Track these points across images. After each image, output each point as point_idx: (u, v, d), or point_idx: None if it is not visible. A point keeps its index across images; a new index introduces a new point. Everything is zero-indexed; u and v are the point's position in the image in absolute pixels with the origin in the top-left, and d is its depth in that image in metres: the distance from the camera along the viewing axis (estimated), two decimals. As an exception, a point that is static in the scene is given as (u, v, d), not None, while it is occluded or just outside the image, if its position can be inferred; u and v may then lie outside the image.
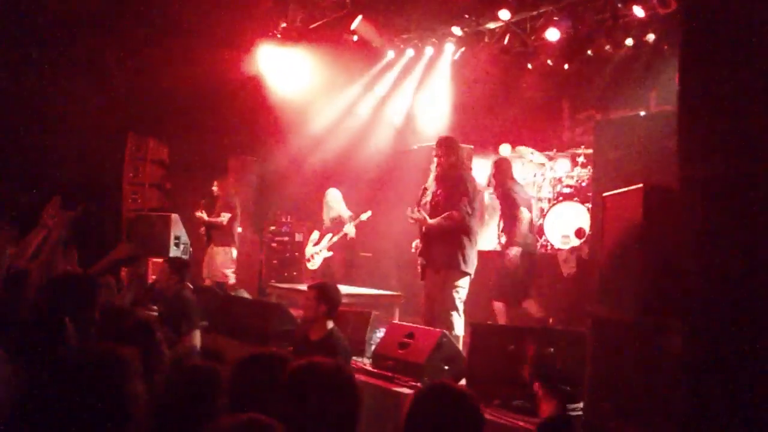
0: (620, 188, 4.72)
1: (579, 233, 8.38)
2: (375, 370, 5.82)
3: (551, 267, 8.10)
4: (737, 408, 3.19)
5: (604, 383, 4.47)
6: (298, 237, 11.41)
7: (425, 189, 6.81)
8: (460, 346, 6.07)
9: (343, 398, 2.46)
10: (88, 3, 9.70)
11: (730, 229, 3.33)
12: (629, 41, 9.72)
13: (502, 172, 7.88)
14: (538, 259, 7.93)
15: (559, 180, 9.22)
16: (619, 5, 9.06)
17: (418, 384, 5.23)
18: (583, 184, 8.99)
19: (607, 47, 9.94)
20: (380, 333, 6.70)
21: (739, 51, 3.40)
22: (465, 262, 6.51)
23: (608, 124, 8.66)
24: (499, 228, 7.97)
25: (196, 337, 6.42)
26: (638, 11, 8.85)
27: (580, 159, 9.22)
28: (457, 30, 10.57)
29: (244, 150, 12.14)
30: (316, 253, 9.50)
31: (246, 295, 8.64)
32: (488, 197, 9.10)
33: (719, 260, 3.38)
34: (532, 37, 10.13)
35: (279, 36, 11.36)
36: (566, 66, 10.57)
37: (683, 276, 3.57)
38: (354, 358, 6.36)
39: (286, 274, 11.31)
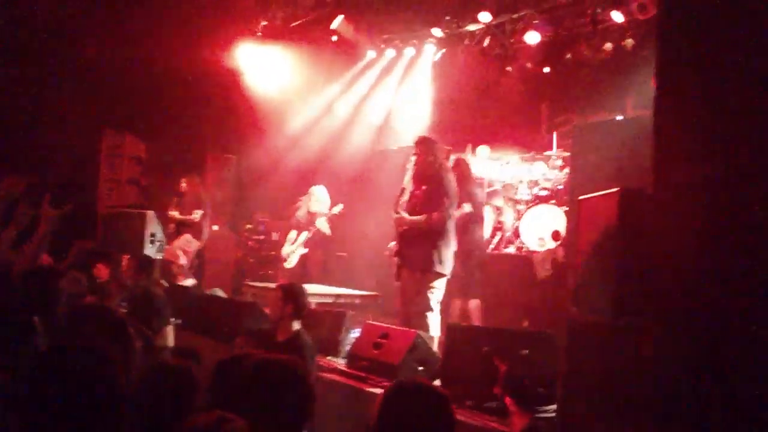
0: (597, 191, 4.74)
1: (555, 236, 8.42)
2: (349, 371, 5.81)
3: (527, 269, 8.13)
4: (710, 409, 3.22)
5: (578, 385, 4.49)
6: (275, 236, 11.35)
7: (403, 189, 6.80)
8: (436, 347, 6.07)
9: (293, 394, 2.46)
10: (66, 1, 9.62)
11: (704, 233, 3.36)
12: (608, 46, 9.78)
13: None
14: (486, 261, 8.03)
15: (536, 182, 9.25)
16: (599, 10, 9.11)
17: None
18: (560, 186, 9.04)
19: (586, 52, 10.01)
20: (355, 333, 6.68)
21: (714, 57, 3.43)
22: (441, 263, 6.51)
23: (586, 127, 8.70)
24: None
25: (169, 335, 6.35)
26: (617, 16, 8.91)
27: (558, 162, 9.25)
28: (437, 31, 10.59)
29: (222, 147, 12.08)
30: (292, 251, 9.48)
31: (221, 293, 8.59)
32: None
33: (693, 263, 3.40)
34: (512, 40, 10.16)
35: (259, 34, 11.32)
36: (546, 69, 10.62)
37: (658, 279, 3.59)
38: (328, 358, 6.35)
39: (262, 273, 11.25)
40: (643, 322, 3.89)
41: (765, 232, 3.10)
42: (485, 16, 9.71)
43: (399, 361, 5.51)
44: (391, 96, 11.86)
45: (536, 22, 9.54)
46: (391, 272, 6.88)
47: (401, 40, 11.22)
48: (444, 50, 11.04)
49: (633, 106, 9.54)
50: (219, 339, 6.62)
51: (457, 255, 6.87)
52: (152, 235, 9.84)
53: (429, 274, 6.49)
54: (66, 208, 5.22)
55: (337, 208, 9.22)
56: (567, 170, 8.96)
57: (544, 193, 9.13)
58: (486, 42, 10.24)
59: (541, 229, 8.60)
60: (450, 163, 7.97)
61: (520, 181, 9.39)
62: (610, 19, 9.06)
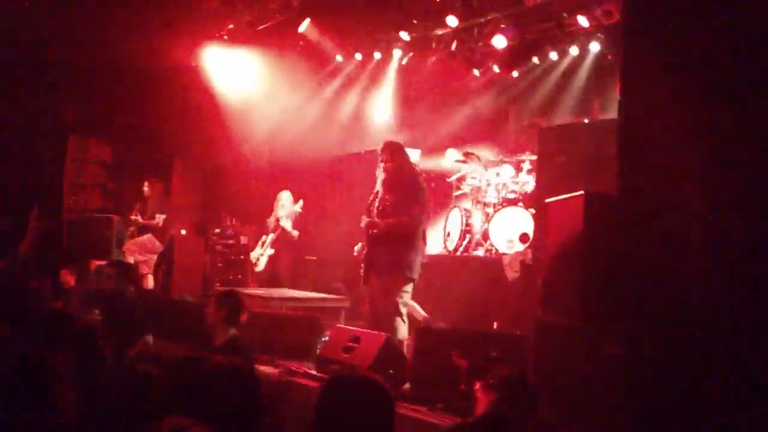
0: (563, 194, 4.80)
1: (523, 238, 8.48)
2: (319, 375, 5.79)
3: (496, 271, 8.17)
4: (678, 410, 3.27)
5: (547, 387, 4.53)
6: (244, 240, 11.29)
7: (376, 194, 6.81)
8: (405, 351, 6.08)
9: (237, 399, 2.47)
10: (28, 3, 9.48)
11: (668, 235, 3.41)
12: (574, 50, 9.90)
13: None
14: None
15: (504, 185, 9.31)
16: (565, 15, 9.21)
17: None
18: (528, 189, 9.10)
19: (553, 55, 10.12)
20: (326, 337, 6.67)
21: (677, 62, 3.48)
22: (410, 267, 6.53)
23: (552, 131, 8.77)
24: None
25: (148, 342, 6.28)
26: (583, 21, 9.01)
27: (525, 165, 9.32)
28: (405, 35, 10.62)
29: (189, 151, 11.99)
30: (261, 254, 9.51)
31: (189, 298, 8.53)
32: None
33: (657, 266, 3.46)
34: (480, 44, 10.23)
35: (226, 37, 11.26)
36: (515, 74, 10.71)
37: (623, 282, 3.64)
38: (299, 362, 6.34)
39: (231, 277, 11.18)
40: (609, 324, 3.94)
41: (729, 234, 3.16)
42: (452, 20, 9.77)
43: (369, 364, 5.51)
44: (359, 99, 11.86)
45: (503, 26, 9.61)
46: (360, 276, 6.88)
47: (369, 44, 11.24)
48: (412, 54, 11.08)
49: (599, 109, 9.65)
50: (185, 343, 6.57)
51: None
52: (119, 239, 9.81)
53: (397, 277, 6.49)
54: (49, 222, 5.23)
55: (298, 205, 9.30)
56: (534, 173, 9.03)
57: (512, 195, 9.18)
58: (453, 46, 10.30)
59: (510, 232, 8.66)
60: None
61: (488, 184, 9.44)
62: (576, 24, 9.16)
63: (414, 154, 8.93)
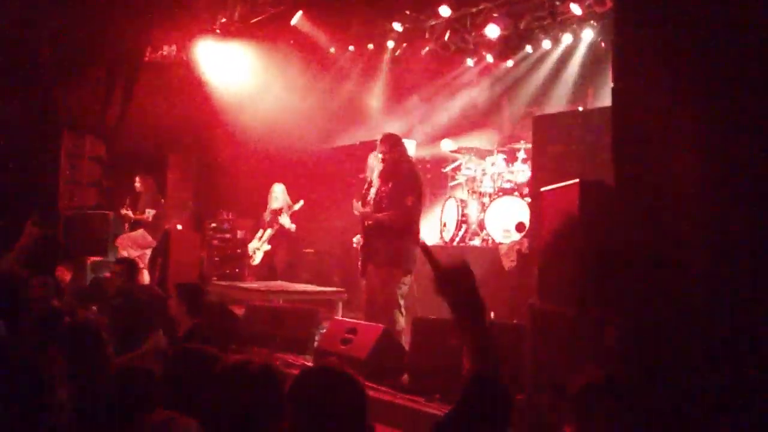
0: (558, 183, 4.80)
1: (519, 227, 8.49)
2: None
3: (492, 261, 8.18)
4: (671, 399, 3.28)
5: (544, 375, 4.55)
6: (240, 233, 11.31)
7: (370, 184, 6.82)
8: (403, 342, 6.10)
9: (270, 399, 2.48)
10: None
11: (663, 224, 3.41)
12: (567, 38, 9.89)
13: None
14: None
15: (499, 175, 9.31)
16: (557, 3, 9.21)
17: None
18: (523, 178, 9.10)
19: (546, 44, 10.11)
20: (323, 330, 6.69)
21: (672, 48, 3.48)
22: (407, 259, 6.53)
23: (546, 119, 8.76)
24: None
25: (159, 340, 6.28)
26: (575, 9, 9.01)
27: (520, 154, 9.32)
28: (398, 26, 10.61)
29: (184, 146, 11.97)
30: (257, 248, 9.53)
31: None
32: None
33: (653, 255, 3.46)
34: (473, 34, 10.22)
35: (218, 31, 11.23)
36: (509, 62, 10.71)
37: (618, 270, 3.65)
38: (297, 355, 6.36)
39: (228, 271, 11.20)
40: (605, 313, 3.95)
41: (727, 223, 3.16)
42: (445, 11, 9.76)
43: (366, 356, 5.53)
44: (353, 91, 11.85)
45: (496, 15, 9.60)
46: (357, 268, 6.89)
47: (362, 36, 11.22)
48: (405, 45, 11.07)
49: (593, 97, 9.65)
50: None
51: None
52: (115, 236, 9.81)
53: (395, 269, 6.50)
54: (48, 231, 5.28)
55: (298, 205, 9.35)
56: (530, 162, 9.03)
57: (507, 185, 9.19)
58: (447, 36, 10.29)
59: (506, 221, 8.67)
60: None
61: (484, 174, 9.44)
62: (569, 12, 9.15)
63: (409, 145, 8.93)
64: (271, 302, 7.75)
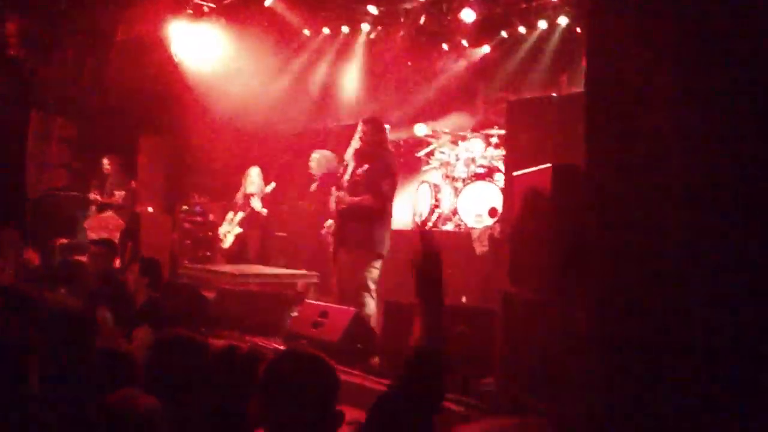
0: (531, 168, 4.79)
1: (492, 212, 8.48)
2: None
3: (465, 246, 8.18)
4: (642, 385, 3.29)
5: (514, 359, 4.56)
6: (212, 217, 11.21)
7: (346, 166, 6.79)
8: (373, 327, 6.09)
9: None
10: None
11: (635, 209, 3.42)
12: (542, 24, 9.88)
13: None
14: None
15: (473, 160, 9.30)
16: (533, -12, 9.20)
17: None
18: (497, 163, 9.10)
19: (521, 29, 10.10)
20: (295, 313, 6.66)
21: (645, 35, 3.47)
22: (379, 243, 6.53)
23: (521, 105, 8.74)
24: None
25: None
26: (551, -6, 9.01)
27: (494, 139, 9.31)
28: (373, 9, 10.54)
29: (156, 127, 11.82)
30: (228, 231, 9.46)
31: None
32: None
33: (623, 240, 3.46)
34: (448, 18, 10.18)
35: (191, 12, 11.08)
36: (486, 48, 10.69)
37: (589, 255, 3.65)
38: (268, 338, 6.34)
39: (200, 254, 11.10)
40: (576, 298, 3.96)
41: (696, 208, 3.16)
42: (421, -6, 9.72)
43: (338, 339, 5.52)
44: (327, 74, 11.77)
45: (471, 0, 9.57)
46: (330, 251, 6.87)
47: (337, 18, 11.13)
48: (380, 28, 11.00)
49: (568, 83, 9.65)
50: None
51: None
52: (84, 218, 9.69)
53: (366, 253, 6.50)
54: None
55: (270, 187, 9.29)
56: (503, 147, 9.02)
57: (481, 170, 9.17)
58: (422, 20, 10.25)
59: (479, 206, 8.66)
60: None
61: (457, 159, 9.43)
62: (545, -3, 9.15)
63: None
64: (242, 286, 7.71)
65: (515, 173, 5.00)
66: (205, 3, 10.86)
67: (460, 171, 9.31)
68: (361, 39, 11.21)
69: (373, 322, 6.22)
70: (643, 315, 3.32)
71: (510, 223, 5.75)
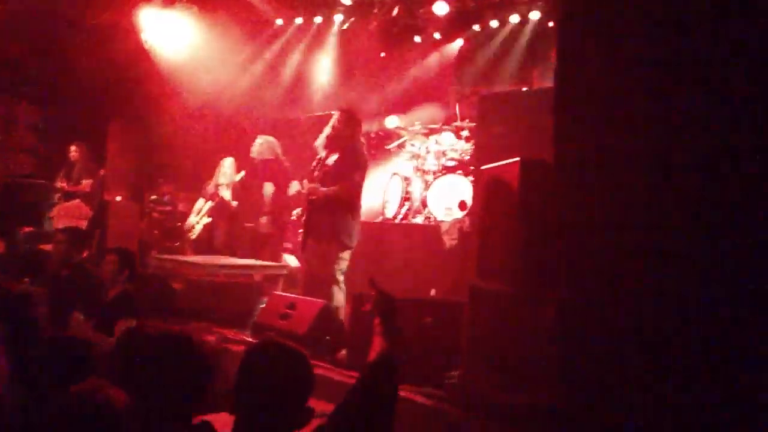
0: (500, 161, 4.81)
1: (461, 205, 8.51)
2: (254, 341, 5.76)
3: (435, 239, 8.20)
4: (605, 376, 3.32)
5: (482, 353, 4.58)
6: (181, 206, 11.12)
7: (319, 160, 6.75)
8: (342, 318, 6.08)
9: (187, 368, 2.47)
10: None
11: (602, 202, 3.44)
12: (514, 18, 9.92)
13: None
14: None
15: (443, 153, 9.31)
16: (506, -18, 9.22)
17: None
18: (467, 157, 9.12)
19: (493, 23, 10.13)
20: (263, 304, 6.64)
21: (614, 29, 3.49)
22: (348, 234, 6.51)
23: (492, 98, 8.77)
24: None
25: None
26: (523, -12, 9.04)
27: (464, 133, 9.33)
28: (346, 0, 10.51)
29: (125, 115, 11.69)
30: (197, 222, 9.39)
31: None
32: None
33: (590, 233, 3.49)
34: (421, 10, 10.19)
35: (162, -1, 10.96)
36: (459, 41, 10.71)
37: (556, 248, 3.67)
38: (237, 330, 6.31)
39: (168, 245, 11.01)
40: (543, 291, 3.98)
41: (664, 203, 3.19)
42: (394, -14, 9.71)
43: (305, 331, 5.51)
44: (300, 64, 11.71)
45: (444, -8, 9.59)
46: (298, 242, 6.86)
47: (309, 8, 11.08)
48: (353, 19, 10.97)
49: (539, 77, 9.69)
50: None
51: None
52: (51, 206, 9.56)
53: (335, 244, 6.48)
54: None
55: (239, 176, 9.23)
56: (474, 141, 9.04)
57: (451, 163, 9.19)
58: (395, 11, 10.24)
59: (449, 199, 8.68)
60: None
61: (428, 152, 9.43)
62: (517, -9, 9.19)
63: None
64: (211, 276, 7.66)
65: (483, 167, 5.02)
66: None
67: (431, 164, 9.32)
68: (334, 29, 11.17)
69: (343, 314, 6.21)
70: (608, 308, 3.35)
71: (477, 216, 5.76)
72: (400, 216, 9.18)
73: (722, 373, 2.91)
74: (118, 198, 9.97)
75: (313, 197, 6.62)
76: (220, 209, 9.36)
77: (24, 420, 2.77)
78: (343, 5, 10.65)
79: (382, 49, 11.31)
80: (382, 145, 10.40)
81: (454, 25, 10.36)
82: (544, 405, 3.72)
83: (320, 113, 9.66)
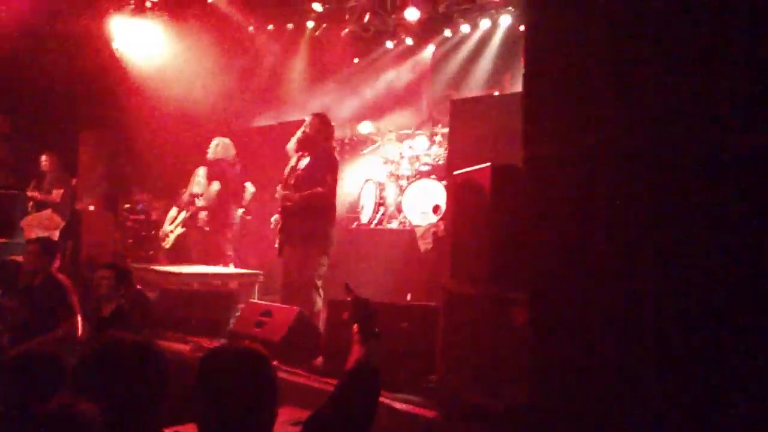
0: (472, 166, 4.84)
1: (435, 210, 8.55)
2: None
3: (409, 243, 8.23)
4: (578, 375, 3.36)
5: (456, 355, 4.60)
6: (155, 215, 11.06)
7: (293, 167, 6.75)
8: (320, 323, 6.08)
9: (144, 374, 2.47)
10: None
11: (570, 206, 3.49)
12: (485, 23, 9.99)
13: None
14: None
15: (417, 158, 9.35)
16: (477, -13, 9.29)
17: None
18: (441, 161, 9.17)
19: (465, 28, 10.19)
20: (239, 313, 6.61)
21: (582, 34, 3.54)
22: (325, 239, 6.52)
23: (463, 103, 8.83)
24: None
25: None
26: (495, -6, 9.11)
27: (438, 137, 9.38)
28: (318, 6, 10.52)
29: (97, 123, 11.61)
30: (171, 231, 9.33)
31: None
32: None
33: (561, 236, 3.53)
34: (392, 16, 10.22)
35: (133, 7, 10.92)
36: (431, 47, 10.76)
37: (527, 251, 3.71)
38: (212, 338, 6.27)
39: (142, 253, 10.94)
40: (516, 294, 4.02)
41: (629, 201, 3.23)
42: (365, -9, 9.74)
43: (279, 339, 5.50)
44: (272, 71, 11.71)
45: (415, -2, 9.64)
46: (275, 249, 6.84)
47: (281, 15, 11.09)
48: (325, 25, 10.99)
49: (511, 82, 9.76)
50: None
51: None
52: (22, 216, 9.46)
53: (312, 250, 6.48)
54: None
55: (213, 187, 9.19)
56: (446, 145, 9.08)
57: (425, 168, 9.23)
58: (366, 18, 10.27)
59: (423, 204, 8.71)
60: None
61: (402, 157, 9.47)
62: (488, -4, 9.26)
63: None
64: (186, 285, 7.63)
65: (455, 172, 5.05)
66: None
67: (405, 169, 9.36)
68: (306, 36, 11.19)
69: (321, 320, 6.20)
70: (578, 308, 3.39)
71: (450, 221, 5.80)
72: (375, 221, 9.20)
73: (697, 367, 2.95)
74: (91, 207, 9.91)
75: (288, 203, 6.62)
76: (194, 219, 9.32)
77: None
78: (315, 12, 10.67)
79: (355, 55, 11.34)
80: (356, 150, 10.42)
81: (425, 31, 10.41)
82: (520, 406, 3.75)
83: (293, 119, 9.66)
